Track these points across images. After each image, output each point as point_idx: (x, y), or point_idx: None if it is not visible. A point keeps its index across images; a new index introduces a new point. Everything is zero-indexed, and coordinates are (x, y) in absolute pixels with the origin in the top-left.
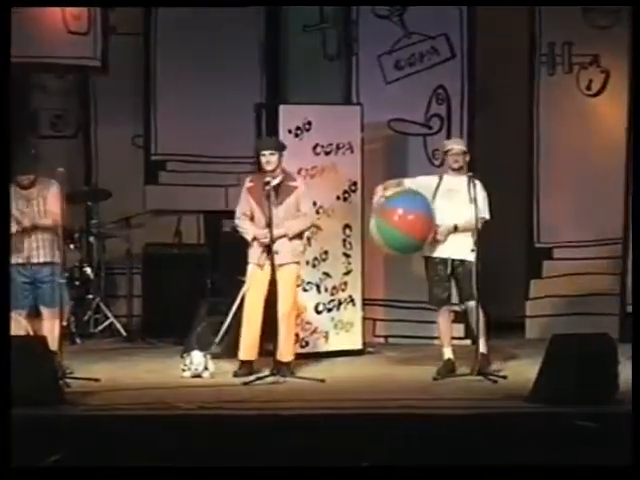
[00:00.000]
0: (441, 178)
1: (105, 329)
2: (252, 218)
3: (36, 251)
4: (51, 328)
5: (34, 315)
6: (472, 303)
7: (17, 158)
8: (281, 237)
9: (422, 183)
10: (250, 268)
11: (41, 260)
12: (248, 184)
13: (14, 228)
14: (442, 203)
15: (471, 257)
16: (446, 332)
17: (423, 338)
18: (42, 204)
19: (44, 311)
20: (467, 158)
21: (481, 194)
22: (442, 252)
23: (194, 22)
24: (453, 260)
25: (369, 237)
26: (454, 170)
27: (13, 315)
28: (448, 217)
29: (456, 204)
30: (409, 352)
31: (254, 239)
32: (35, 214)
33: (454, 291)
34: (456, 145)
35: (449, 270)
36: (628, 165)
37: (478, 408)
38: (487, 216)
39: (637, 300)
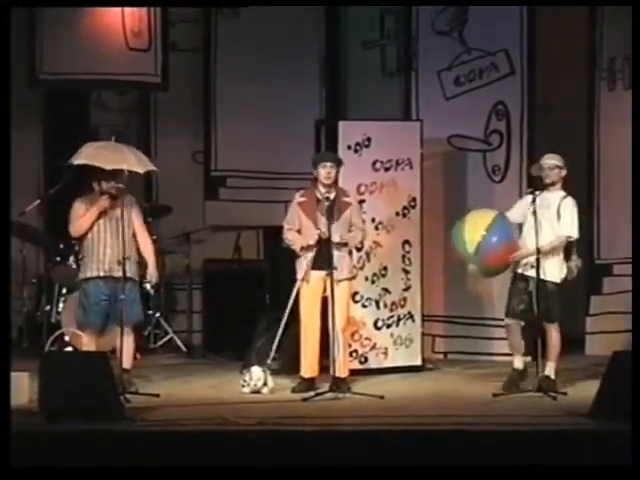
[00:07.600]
0: (537, 194)
1: (165, 344)
2: (299, 232)
3: (119, 265)
4: (126, 345)
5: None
6: (548, 325)
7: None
8: (340, 247)
9: (519, 204)
10: (299, 285)
11: (127, 275)
12: (299, 199)
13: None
14: (532, 220)
15: (552, 277)
16: (517, 344)
17: (482, 354)
18: (128, 218)
19: (118, 328)
20: (562, 173)
21: (568, 212)
22: (525, 269)
23: (254, 38)
24: (536, 279)
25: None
26: (547, 185)
27: (87, 333)
28: (534, 235)
29: (545, 221)
30: (468, 368)
31: (302, 249)
32: (125, 227)
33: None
34: (548, 160)
35: (530, 287)
36: None
37: (538, 425)
38: (572, 234)
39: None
